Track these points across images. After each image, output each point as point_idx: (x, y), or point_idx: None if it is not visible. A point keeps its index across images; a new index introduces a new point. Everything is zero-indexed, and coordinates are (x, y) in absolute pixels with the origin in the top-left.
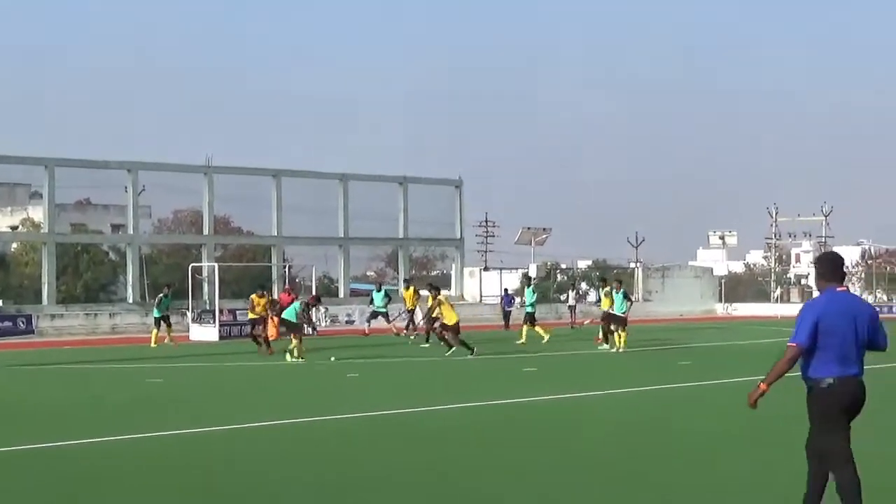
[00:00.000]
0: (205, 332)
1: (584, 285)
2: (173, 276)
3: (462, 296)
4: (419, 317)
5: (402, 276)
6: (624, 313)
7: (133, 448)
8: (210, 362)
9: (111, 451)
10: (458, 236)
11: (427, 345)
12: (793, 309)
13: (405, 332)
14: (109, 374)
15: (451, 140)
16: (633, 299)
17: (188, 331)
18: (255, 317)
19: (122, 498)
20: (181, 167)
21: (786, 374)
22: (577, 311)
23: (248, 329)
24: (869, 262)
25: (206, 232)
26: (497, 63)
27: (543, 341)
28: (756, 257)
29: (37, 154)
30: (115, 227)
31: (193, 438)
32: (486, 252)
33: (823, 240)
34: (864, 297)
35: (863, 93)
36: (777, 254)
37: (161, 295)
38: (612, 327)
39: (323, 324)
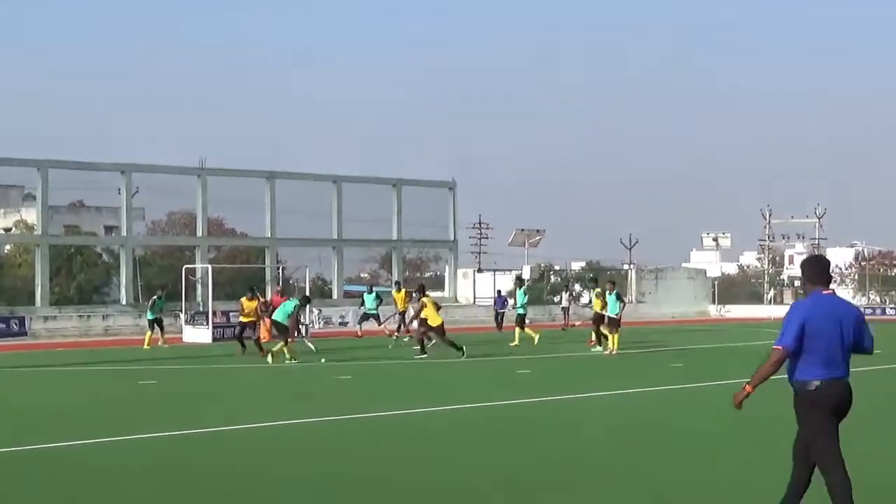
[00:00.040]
0: (198, 334)
1: (577, 287)
2: (167, 277)
3: (456, 297)
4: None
5: (395, 278)
6: (617, 315)
7: (127, 450)
8: (203, 364)
9: (105, 452)
10: (452, 238)
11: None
12: (786, 311)
13: (397, 334)
14: (103, 375)
15: (445, 142)
16: (627, 301)
17: (181, 332)
18: (245, 320)
19: (116, 499)
20: (175, 169)
21: (772, 377)
22: (570, 312)
23: (252, 329)
24: (862, 263)
25: (199, 234)
26: (491, 63)
27: (534, 343)
28: (749, 259)
29: (30, 156)
30: (109, 229)
31: (187, 440)
32: (479, 254)
33: (817, 241)
34: (857, 299)
35: (857, 95)
36: (770, 255)
37: (155, 297)
38: (605, 329)
39: (316, 325)
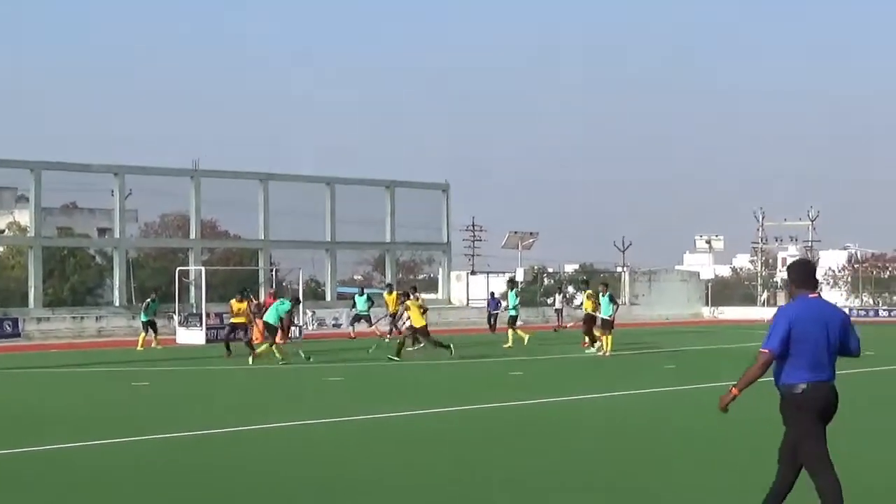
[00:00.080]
0: (191, 336)
1: (570, 289)
2: (160, 279)
3: (449, 300)
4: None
5: (388, 280)
6: (610, 317)
7: (120, 452)
8: (196, 366)
9: (98, 454)
10: (445, 240)
11: (413, 348)
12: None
13: (389, 336)
14: (96, 377)
15: (439, 143)
16: (620, 303)
17: (175, 334)
18: (235, 321)
19: (109, 501)
20: (168, 171)
21: (759, 379)
22: (563, 314)
23: (243, 332)
24: (855, 266)
25: (192, 236)
26: (486, 63)
27: (524, 343)
28: (743, 261)
29: (23, 158)
30: (102, 231)
31: (180, 442)
32: (473, 256)
33: (810, 244)
34: (850, 301)
35: (856, 95)
36: (763, 258)
37: (149, 300)
38: (598, 331)
39: (310, 327)
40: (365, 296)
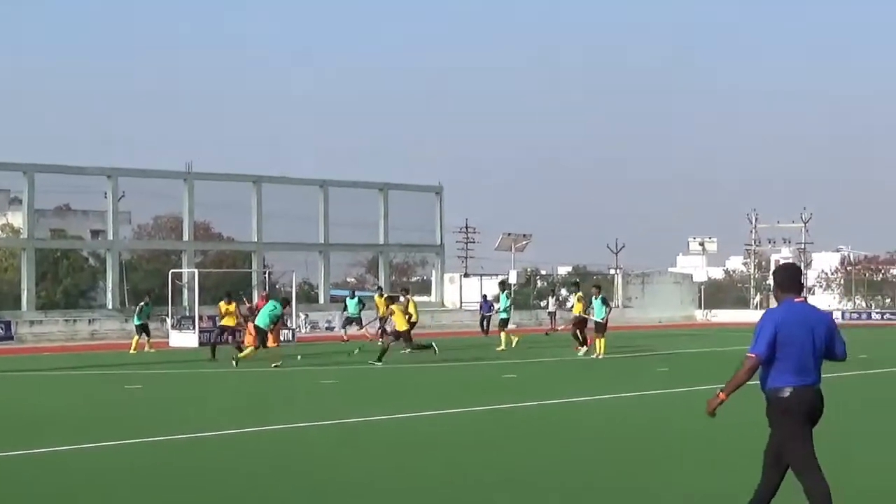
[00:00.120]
0: (184, 339)
1: (564, 291)
2: (153, 282)
3: (442, 302)
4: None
5: (382, 283)
6: (603, 319)
7: (112, 454)
8: (189, 368)
9: (91, 457)
10: (439, 242)
11: (406, 351)
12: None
13: (381, 339)
14: (89, 380)
15: (432, 145)
16: (613, 305)
17: (168, 337)
18: (224, 324)
19: None
20: (161, 173)
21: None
22: (556, 317)
23: (231, 335)
24: (848, 268)
25: (185, 238)
26: (481, 64)
27: (512, 345)
28: (736, 264)
29: (16, 160)
30: (95, 233)
31: (172, 445)
32: (466, 258)
33: (803, 246)
34: (842, 303)
35: (848, 98)
36: (756, 260)
37: (142, 303)
38: (592, 334)
39: (303, 330)
40: (356, 299)
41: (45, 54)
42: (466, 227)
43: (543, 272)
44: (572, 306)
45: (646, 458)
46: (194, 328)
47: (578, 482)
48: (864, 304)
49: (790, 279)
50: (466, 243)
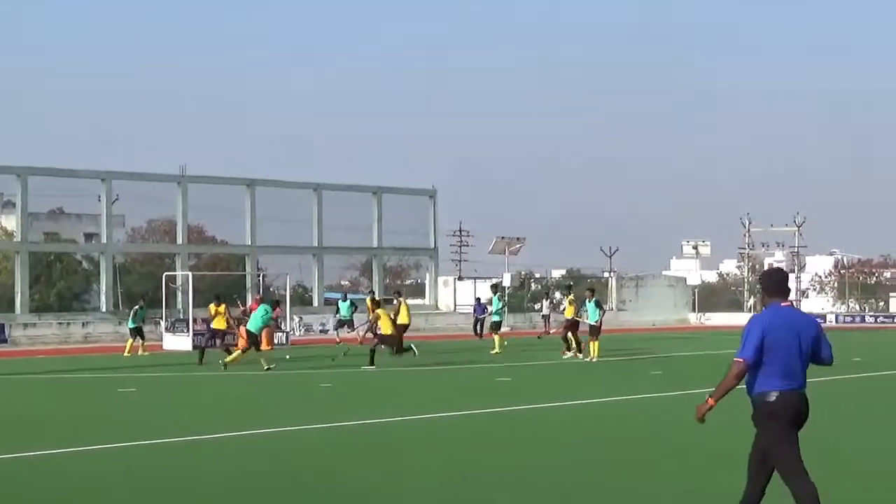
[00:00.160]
0: (178, 342)
1: (557, 294)
2: (147, 285)
3: (436, 305)
4: None
5: (376, 286)
6: (597, 322)
7: (106, 458)
8: (183, 371)
9: (84, 460)
10: (432, 246)
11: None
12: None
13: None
14: (82, 383)
15: (425, 148)
16: (607, 308)
17: (162, 340)
18: (215, 327)
19: None
20: (155, 176)
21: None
22: (550, 320)
23: (220, 339)
24: (841, 272)
25: (179, 241)
26: (477, 64)
27: (501, 349)
28: (729, 267)
29: (9, 163)
30: (89, 237)
31: (166, 448)
32: (460, 261)
33: (796, 250)
34: (836, 307)
35: (842, 102)
36: (750, 263)
37: (136, 307)
38: (588, 337)
39: (297, 333)
40: (348, 301)
41: (39, 56)
42: (460, 231)
43: (537, 275)
44: (564, 309)
45: (644, 459)
46: (188, 331)
47: (578, 482)
48: (857, 307)
49: (776, 284)
50: (460, 246)
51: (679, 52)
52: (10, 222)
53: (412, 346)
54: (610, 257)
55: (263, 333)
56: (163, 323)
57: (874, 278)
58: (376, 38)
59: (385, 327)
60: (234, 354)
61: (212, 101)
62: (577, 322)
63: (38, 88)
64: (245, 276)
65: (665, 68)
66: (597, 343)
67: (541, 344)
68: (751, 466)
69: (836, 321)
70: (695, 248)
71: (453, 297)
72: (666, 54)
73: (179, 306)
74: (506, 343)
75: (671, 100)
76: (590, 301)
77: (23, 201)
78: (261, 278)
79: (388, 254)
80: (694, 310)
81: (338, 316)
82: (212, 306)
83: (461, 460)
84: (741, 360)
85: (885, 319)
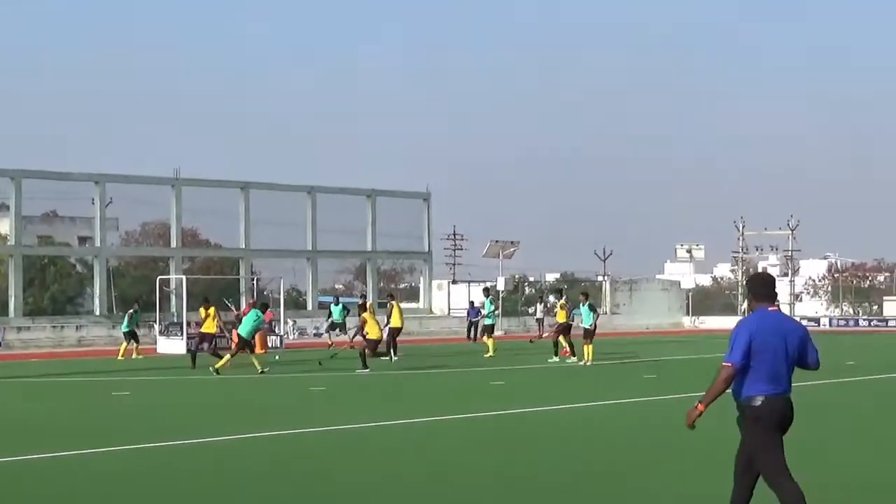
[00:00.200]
0: (172, 345)
1: (552, 298)
2: (140, 288)
3: (430, 309)
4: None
5: (370, 289)
6: (591, 325)
7: (99, 462)
8: (177, 375)
9: (78, 465)
10: (427, 249)
11: (396, 357)
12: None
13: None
14: (76, 386)
15: (420, 150)
16: (601, 312)
17: (156, 343)
18: (205, 331)
19: None
20: (149, 179)
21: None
22: (544, 323)
23: (208, 342)
24: (835, 275)
25: (173, 244)
26: (474, 64)
27: (494, 353)
28: (723, 270)
29: (3, 166)
30: (83, 240)
31: (159, 452)
32: (454, 265)
33: (790, 253)
34: (830, 310)
35: (841, 102)
36: (744, 267)
37: (131, 311)
38: (582, 340)
39: (291, 336)
40: (340, 305)
41: (33, 58)
42: (454, 234)
43: (531, 279)
44: (556, 313)
45: (638, 463)
46: (182, 334)
47: (575, 484)
48: (851, 310)
49: (764, 288)
50: (454, 250)
51: (679, 51)
52: (4, 225)
53: (392, 353)
54: (604, 261)
55: (257, 337)
56: (157, 326)
57: (868, 282)
58: (376, 38)
59: (372, 331)
60: (224, 358)
61: (205, 103)
62: (570, 326)
63: (30, 90)
64: (239, 279)
65: (665, 68)
66: (591, 347)
67: (534, 348)
68: (737, 470)
69: (830, 325)
70: (689, 251)
71: (447, 300)
72: (666, 54)
73: (173, 310)
74: (492, 347)
75: (671, 100)
76: (584, 305)
77: (16, 204)
78: (255, 282)
79: (383, 257)
80: (688, 313)
81: (330, 319)
82: (201, 310)
83: (456, 463)
84: (729, 364)
85: (879, 323)
